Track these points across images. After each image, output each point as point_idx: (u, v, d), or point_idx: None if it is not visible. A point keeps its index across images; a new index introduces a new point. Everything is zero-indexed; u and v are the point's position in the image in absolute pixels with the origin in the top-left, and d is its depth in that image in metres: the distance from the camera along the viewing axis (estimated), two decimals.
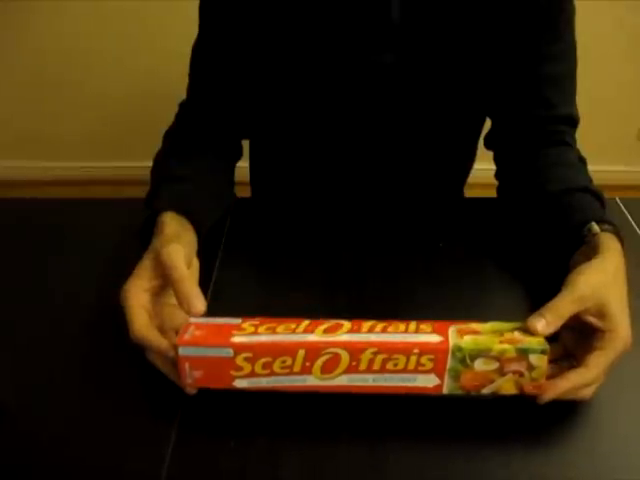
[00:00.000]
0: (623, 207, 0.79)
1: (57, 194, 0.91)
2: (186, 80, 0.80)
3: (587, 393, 0.52)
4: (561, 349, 0.54)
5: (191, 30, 0.77)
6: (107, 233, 0.74)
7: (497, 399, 0.52)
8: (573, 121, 0.76)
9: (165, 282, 0.55)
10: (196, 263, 0.60)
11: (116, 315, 0.54)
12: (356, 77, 0.75)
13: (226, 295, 0.65)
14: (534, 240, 0.70)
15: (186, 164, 0.72)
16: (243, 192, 0.90)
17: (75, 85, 1.92)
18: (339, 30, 0.71)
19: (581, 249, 0.61)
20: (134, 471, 0.50)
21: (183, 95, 0.81)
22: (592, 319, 0.52)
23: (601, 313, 0.52)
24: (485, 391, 0.50)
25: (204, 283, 0.66)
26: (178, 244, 0.56)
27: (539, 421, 0.53)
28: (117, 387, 0.56)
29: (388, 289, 0.66)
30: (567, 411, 0.54)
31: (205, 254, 0.62)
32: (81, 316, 0.63)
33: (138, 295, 0.54)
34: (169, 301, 0.56)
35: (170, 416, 0.54)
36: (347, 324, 0.50)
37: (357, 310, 0.55)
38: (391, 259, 0.71)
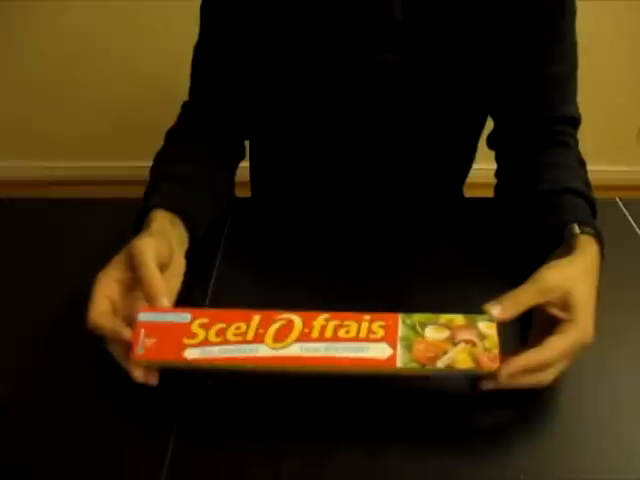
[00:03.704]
0: (623, 207, 0.79)
1: (58, 194, 0.91)
2: (188, 80, 0.80)
3: (545, 378, 0.52)
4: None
5: (193, 30, 0.77)
6: (107, 233, 0.74)
7: (496, 401, 0.52)
8: (574, 121, 0.77)
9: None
10: (180, 261, 0.59)
11: None
12: (358, 76, 0.75)
13: (226, 295, 0.65)
14: (522, 239, 0.70)
15: (186, 164, 0.72)
16: (243, 192, 0.90)
17: (76, 85, 1.92)
18: (341, 29, 0.71)
19: (559, 248, 0.62)
20: (134, 471, 0.50)
21: (184, 95, 0.81)
22: (554, 310, 0.53)
23: (565, 305, 0.53)
24: (440, 364, 0.49)
25: (204, 283, 0.66)
26: (151, 238, 0.56)
27: (539, 424, 0.54)
28: (117, 387, 0.56)
29: (388, 288, 0.67)
30: (567, 412, 0.55)
31: (205, 254, 0.62)
32: (81, 316, 0.63)
33: (106, 284, 0.54)
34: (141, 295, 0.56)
35: (170, 416, 0.54)
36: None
37: (357, 310, 0.55)
38: (390, 258, 0.71)
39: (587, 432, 0.53)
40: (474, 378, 0.52)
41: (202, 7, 0.75)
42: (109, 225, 0.76)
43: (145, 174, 0.73)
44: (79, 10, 1.77)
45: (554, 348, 0.51)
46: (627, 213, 0.78)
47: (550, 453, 0.51)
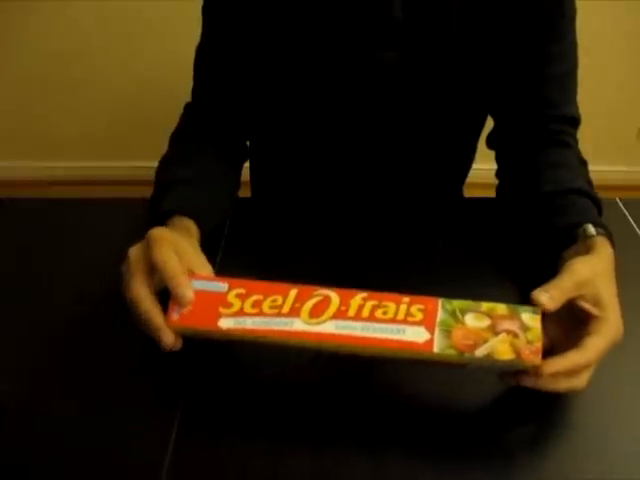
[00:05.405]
0: (623, 207, 0.79)
1: (58, 194, 0.91)
2: (188, 81, 0.80)
3: (581, 382, 0.51)
4: (547, 342, 0.52)
5: (193, 30, 0.77)
6: (107, 233, 0.74)
7: (499, 407, 0.52)
8: (575, 121, 0.77)
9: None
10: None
11: (116, 315, 0.54)
12: (358, 75, 0.75)
13: None
14: (529, 240, 0.70)
15: (191, 166, 0.72)
16: (243, 192, 0.90)
17: (76, 85, 1.92)
18: (341, 28, 0.71)
19: (573, 247, 0.61)
20: (134, 470, 0.50)
21: (184, 95, 0.81)
22: (587, 305, 0.53)
23: (595, 301, 0.53)
24: (479, 353, 0.47)
25: None
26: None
27: (540, 427, 0.54)
28: (117, 386, 0.56)
29: (388, 288, 0.66)
30: (568, 413, 0.55)
31: (205, 254, 0.62)
32: (81, 316, 0.63)
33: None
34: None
35: (170, 415, 0.54)
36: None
37: None
38: (390, 258, 0.71)
39: (590, 433, 0.53)
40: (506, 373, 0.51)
41: (204, 8, 0.75)
42: (109, 225, 0.76)
43: (145, 174, 0.73)
44: (79, 9, 1.77)
45: (595, 348, 0.50)
46: (627, 213, 0.78)
47: (554, 456, 0.51)
